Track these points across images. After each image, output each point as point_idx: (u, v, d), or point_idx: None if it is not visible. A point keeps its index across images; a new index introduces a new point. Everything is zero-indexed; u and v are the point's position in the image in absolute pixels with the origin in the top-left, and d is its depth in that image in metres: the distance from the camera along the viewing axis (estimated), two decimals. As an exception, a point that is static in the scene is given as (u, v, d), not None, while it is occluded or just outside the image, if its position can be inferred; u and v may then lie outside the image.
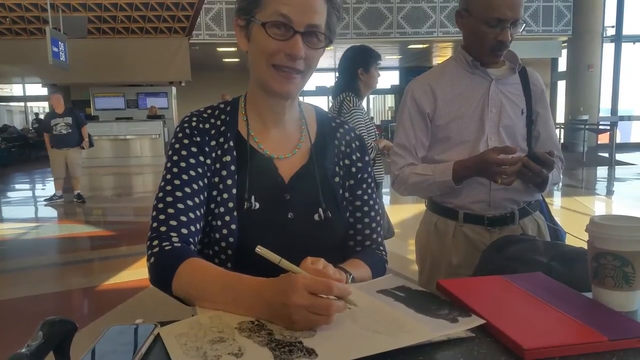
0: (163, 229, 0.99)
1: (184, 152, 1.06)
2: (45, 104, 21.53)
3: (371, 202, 1.19)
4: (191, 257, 0.96)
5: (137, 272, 4.10)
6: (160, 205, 1.02)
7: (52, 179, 8.29)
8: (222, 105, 1.15)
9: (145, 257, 1.00)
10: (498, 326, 0.78)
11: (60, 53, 9.61)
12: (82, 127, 7.95)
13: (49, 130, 7.76)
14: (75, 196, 8.07)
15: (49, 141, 7.82)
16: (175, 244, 0.97)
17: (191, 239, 1.01)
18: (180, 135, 1.08)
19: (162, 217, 1.00)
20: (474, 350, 0.74)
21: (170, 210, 1.00)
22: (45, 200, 8.26)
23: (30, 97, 22.32)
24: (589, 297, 0.93)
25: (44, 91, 19.36)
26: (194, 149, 1.06)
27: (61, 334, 0.69)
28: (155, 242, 0.98)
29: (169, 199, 1.02)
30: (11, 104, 27.17)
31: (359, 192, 1.18)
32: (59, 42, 9.54)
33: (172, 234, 0.99)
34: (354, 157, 1.18)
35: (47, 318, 0.68)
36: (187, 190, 1.03)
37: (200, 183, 1.05)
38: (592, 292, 0.93)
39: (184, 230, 1.00)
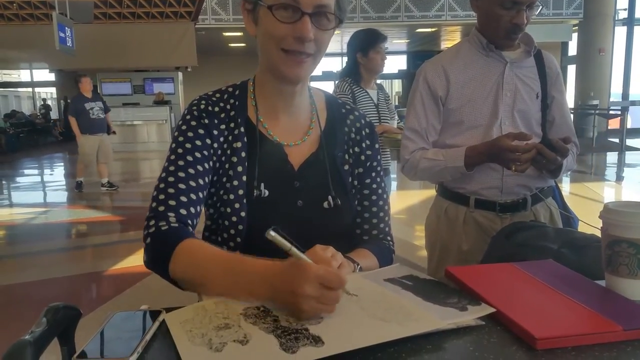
0: (161, 208, 0.97)
1: (190, 134, 1.04)
2: (53, 90, 21.60)
3: (379, 191, 1.17)
4: (189, 237, 0.94)
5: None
6: (162, 185, 1.00)
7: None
8: (230, 89, 1.12)
9: None
10: (509, 315, 0.76)
11: (67, 38, 9.58)
12: (107, 113, 7.71)
13: (83, 114, 7.36)
14: (107, 184, 7.82)
15: (80, 126, 7.34)
16: (172, 225, 0.95)
17: (189, 221, 0.99)
18: (188, 117, 1.06)
19: (161, 197, 0.99)
20: (483, 339, 0.73)
21: (171, 191, 0.99)
22: (77, 189, 7.83)
23: (37, 82, 22.37)
24: (601, 285, 0.91)
25: (51, 77, 19.42)
26: (201, 131, 1.04)
27: (65, 320, 0.68)
28: (152, 222, 0.96)
29: (171, 179, 1.00)
30: (19, 89, 27.27)
31: (368, 181, 1.16)
32: (66, 28, 9.52)
33: (170, 214, 0.97)
34: (363, 145, 1.16)
35: (51, 304, 0.68)
36: (191, 171, 1.01)
37: (206, 165, 1.03)
38: (605, 280, 0.91)
39: (183, 211, 0.98)
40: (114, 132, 8.07)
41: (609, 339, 0.71)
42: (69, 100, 18.11)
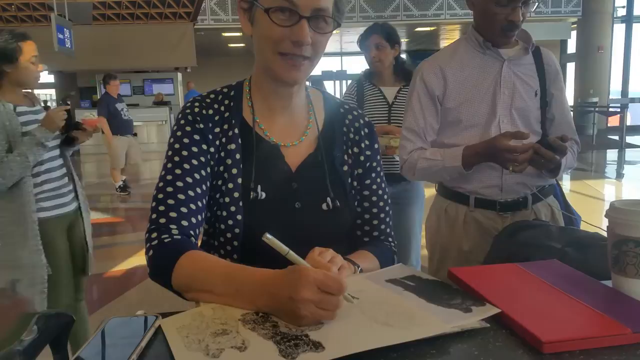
0: (162, 220, 0.95)
1: (186, 140, 1.02)
2: (52, 91, 21.59)
3: (380, 192, 1.15)
4: (192, 249, 0.92)
5: (144, 259, 4.08)
6: (160, 196, 0.98)
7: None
8: (225, 90, 1.10)
9: None
10: (514, 317, 0.74)
11: (66, 40, 9.54)
12: None
13: (116, 115, 7.15)
14: (119, 188, 7.67)
15: (112, 127, 7.05)
16: (175, 237, 0.94)
17: (192, 231, 0.97)
18: (182, 122, 1.04)
19: (161, 208, 0.96)
20: (489, 343, 0.71)
21: (171, 202, 0.96)
22: (121, 193, 7.63)
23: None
24: (608, 285, 0.89)
25: (50, 78, 19.40)
26: (196, 137, 1.02)
27: (57, 328, 0.66)
28: (154, 235, 0.94)
29: (169, 189, 0.98)
30: (18, 91, 27.25)
31: (367, 182, 1.14)
32: (64, 29, 9.48)
33: (172, 226, 0.95)
34: (362, 145, 1.14)
35: (42, 311, 0.66)
36: (189, 180, 0.99)
37: (203, 172, 1.01)
38: (612, 281, 0.89)
39: (184, 223, 0.96)
40: (135, 134, 7.93)
41: (618, 341, 0.69)
42: (68, 102, 18.09)
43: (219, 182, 1.03)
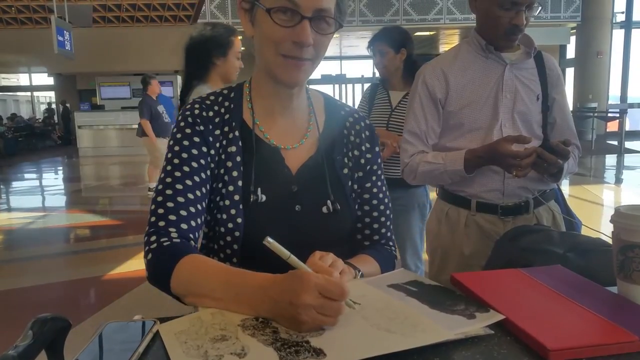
0: (162, 223, 0.94)
1: (185, 143, 1.01)
2: (52, 94, 21.58)
3: (380, 195, 1.14)
4: (191, 253, 0.91)
5: (142, 262, 4.05)
6: (160, 199, 0.96)
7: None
8: (225, 92, 1.09)
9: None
10: (519, 324, 0.73)
11: (66, 42, 9.57)
12: None
13: (158, 117, 6.99)
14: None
15: (154, 130, 6.92)
16: (174, 240, 0.92)
17: (191, 235, 0.96)
18: (182, 124, 1.03)
19: (160, 211, 0.95)
20: (493, 351, 0.69)
21: (170, 204, 0.95)
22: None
23: (36, 86, 22.36)
24: (613, 292, 0.88)
25: (50, 81, 19.40)
26: (196, 139, 1.01)
27: (53, 333, 0.65)
28: (153, 238, 0.93)
29: (169, 191, 0.96)
30: (18, 93, 27.27)
31: (368, 185, 1.12)
32: (64, 31, 9.50)
33: (171, 229, 0.93)
34: (363, 148, 1.12)
35: (38, 316, 0.64)
36: (189, 182, 0.97)
37: (203, 175, 1.00)
38: (617, 287, 0.88)
39: (184, 225, 0.95)
40: None
41: (625, 349, 0.68)
42: (67, 104, 18.12)
43: (219, 185, 1.01)
